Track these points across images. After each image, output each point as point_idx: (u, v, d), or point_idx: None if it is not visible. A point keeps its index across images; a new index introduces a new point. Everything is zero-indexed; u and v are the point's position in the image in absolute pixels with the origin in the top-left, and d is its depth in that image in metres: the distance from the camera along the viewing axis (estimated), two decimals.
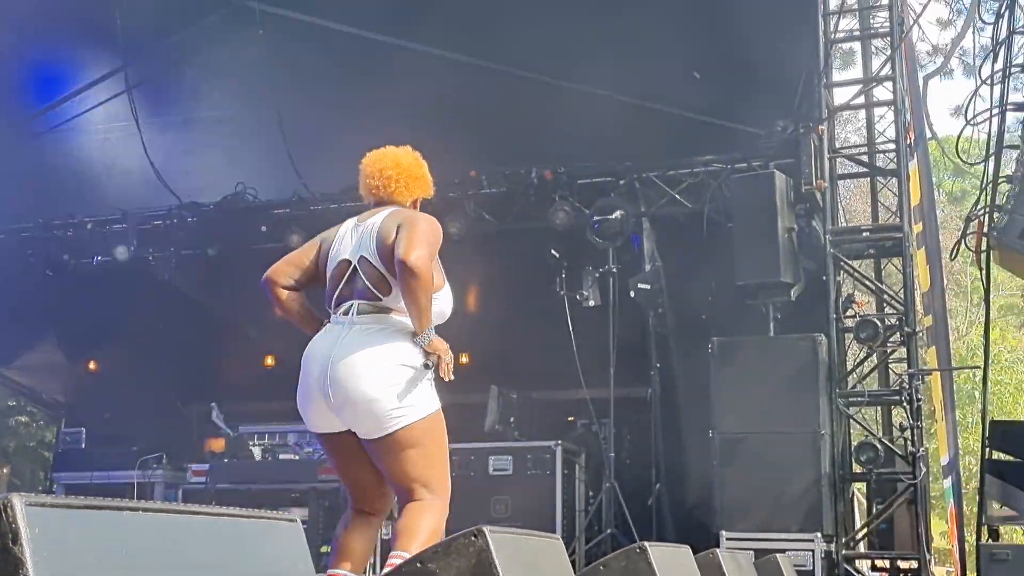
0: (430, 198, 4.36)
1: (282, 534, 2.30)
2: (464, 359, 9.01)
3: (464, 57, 10.36)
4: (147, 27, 10.72)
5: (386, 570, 3.26)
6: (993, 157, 8.39)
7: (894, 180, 10.34)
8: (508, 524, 7.96)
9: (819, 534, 8.26)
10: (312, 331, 4.07)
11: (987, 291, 8.85)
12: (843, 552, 8.63)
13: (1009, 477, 8.26)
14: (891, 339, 9.31)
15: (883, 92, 10.43)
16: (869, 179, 12.75)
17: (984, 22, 9.15)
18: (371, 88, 10.48)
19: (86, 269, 11.66)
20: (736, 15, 9.35)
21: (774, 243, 8.79)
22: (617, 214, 9.77)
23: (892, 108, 10.60)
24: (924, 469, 8.84)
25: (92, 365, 12.78)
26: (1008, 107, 8.32)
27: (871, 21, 11.53)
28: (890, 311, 9.89)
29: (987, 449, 8.49)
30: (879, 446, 9.06)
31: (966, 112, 8.41)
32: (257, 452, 10.21)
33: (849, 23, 11.82)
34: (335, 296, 4.03)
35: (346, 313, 3.96)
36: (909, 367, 9.16)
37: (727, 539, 8.32)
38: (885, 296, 10.38)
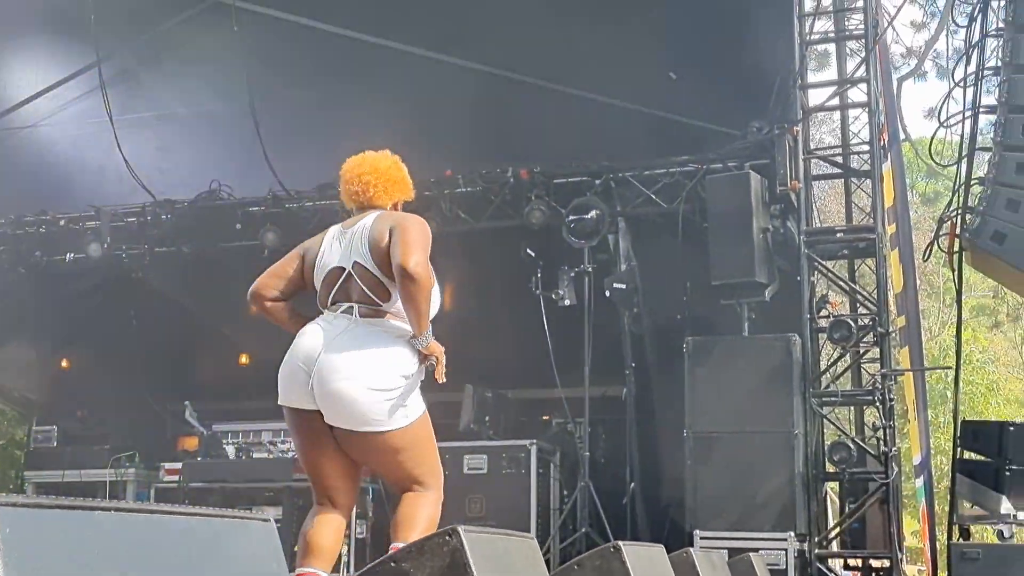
0: (411, 200, 4.40)
1: (255, 534, 2.30)
2: None
3: (440, 56, 10.36)
4: (121, 23, 10.65)
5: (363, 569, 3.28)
6: (966, 159, 8.43)
7: (868, 181, 10.38)
8: (483, 523, 7.96)
9: (792, 533, 8.29)
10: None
11: (959, 292, 8.89)
12: (816, 551, 8.66)
13: (980, 477, 8.31)
14: (864, 339, 9.35)
15: (857, 94, 10.48)
16: (843, 180, 12.81)
17: (957, 25, 9.18)
18: (346, 86, 10.47)
19: (59, 267, 11.56)
20: (712, 16, 9.39)
21: (749, 243, 8.81)
22: (593, 214, 9.78)
23: (866, 110, 10.64)
24: (896, 469, 8.89)
25: (64, 363, 12.66)
26: (981, 109, 8.36)
27: (846, 23, 11.58)
28: (863, 311, 9.93)
29: (958, 449, 8.54)
30: (852, 446, 9.12)
31: (939, 114, 8.45)
32: (231, 451, 10.13)
33: (824, 25, 11.86)
34: (330, 299, 4.07)
35: (346, 312, 4.00)
36: (882, 367, 9.21)
37: (701, 538, 8.35)
38: (858, 296, 10.42)
